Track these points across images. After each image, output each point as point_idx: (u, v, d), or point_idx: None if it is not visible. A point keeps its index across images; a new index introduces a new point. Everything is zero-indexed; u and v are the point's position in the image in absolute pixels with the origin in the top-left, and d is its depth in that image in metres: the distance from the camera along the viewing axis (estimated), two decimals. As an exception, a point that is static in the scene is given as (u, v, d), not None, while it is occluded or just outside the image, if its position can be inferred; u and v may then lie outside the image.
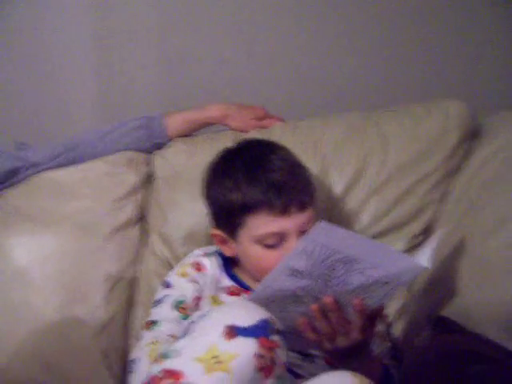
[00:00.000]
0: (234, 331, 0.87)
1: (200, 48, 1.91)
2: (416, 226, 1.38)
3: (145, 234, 1.49)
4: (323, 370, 1.09)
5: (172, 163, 1.49)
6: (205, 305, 1.21)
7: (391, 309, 1.32)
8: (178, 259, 1.39)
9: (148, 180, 1.52)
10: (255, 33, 1.89)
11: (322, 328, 1.01)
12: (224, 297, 1.23)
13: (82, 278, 1.41)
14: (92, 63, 1.91)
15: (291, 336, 1.03)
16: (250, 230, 1.16)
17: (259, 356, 0.86)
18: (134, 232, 1.48)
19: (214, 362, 0.85)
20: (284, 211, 1.13)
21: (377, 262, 0.93)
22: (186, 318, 1.18)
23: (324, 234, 0.91)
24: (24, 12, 1.86)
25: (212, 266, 1.26)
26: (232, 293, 1.23)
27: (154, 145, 1.52)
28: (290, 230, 1.14)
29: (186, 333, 0.92)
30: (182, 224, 1.43)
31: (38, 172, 1.48)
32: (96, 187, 1.47)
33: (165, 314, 1.20)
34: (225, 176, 1.19)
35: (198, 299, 1.23)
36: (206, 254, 1.29)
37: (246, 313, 0.91)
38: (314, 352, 1.15)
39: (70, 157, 1.49)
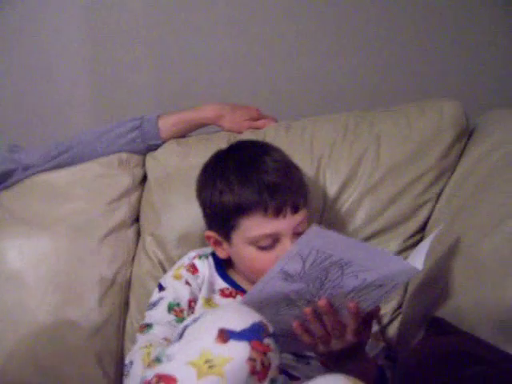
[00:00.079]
0: (226, 335, 0.87)
1: (195, 49, 1.91)
2: (411, 226, 1.37)
3: (139, 235, 1.49)
4: (318, 372, 1.10)
5: (165, 164, 1.48)
6: (199, 307, 1.21)
7: (386, 309, 1.32)
8: (171, 261, 1.39)
9: (142, 182, 1.52)
10: (250, 34, 1.89)
11: (316, 331, 1.01)
12: (218, 299, 1.23)
13: (76, 280, 1.41)
14: (87, 64, 1.91)
15: (285, 339, 1.03)
16: (244, 231, 1.15)
17: (252, 360, 0.86)
18: (129, 234, 1.48)
19: (207, 367, 0.84)
20: (278, 213, 1.13)
21: (370, 265, 0.93)
22: (180, 320, 1.18)
23: (317, 237, 0.90)
24: (20, 14, 1.86)
25: (206, 268, 1.26)
26: (226, 294, 1.23)
27: (149, 146, 1.51)
28: (284, 232, 1.14)
29: (178, 337, 0.91)
30: (176, 226, 1.43)
31: (32, 174, 1.48)
32: (90, 189, 1.47)
33: (159, 316, 1.20)
34: (217, 178, 1.18)
35: (192, 302, 1.22)
36: (200, 256, 1.28)
37: (239, 316, 0.90)
38: (308, 353, 1.15)
39: (65, 158, 1.49)
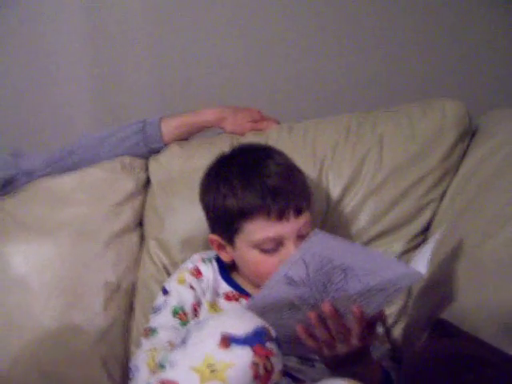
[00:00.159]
0: (229, 340, 0.87)
1: (196, 50, 1.91)
2: (414, 227, 1.37)
3: (143, 239, 1.49)
4: (323, 375, 1.10)
5: (168, 168, 1.48)
6: (203, 311, 1.21)
7: (391, 310, 1.32)
8: (175, 265, 1.39)
9: (145, 185, 1.52)
10: (252, 36, 1.89)
11: (320, 335, 1.01)
12: (222, 302, 1.23)
13: (80, 285, 1.41)
14: (88, 66, 1.92)
15: (290, 343, 1.03)
16: (247, 235, 1.15)
17: (255, 364, 0.86)
18: (132, 238, 1.48)
19: (210, 372, 0.85)
20: (281, 216, 1.13)
21: (373, 270, 0.93)
22: (185, 324, 1.19)
23: (320, 243, 0.90)
24: (19, 16, 1.86)
25: (210, 271, 1.26)
26: (230, 298, 1.23)
27: (151, 149, 1.51)
28: (287, 235, 1.14)
29: (181, 342, 0.92)
30: (180, 229, 1.43)
31: (35, 179, 1.48)
32: (93, 193, 1.48)
33: (164, 321, 1.20)
34: (221, 182, 1.18)
35: (196, 305, 1.22)
36: (204, 260, 1.28)
37: (241, 321, 0.90)
38: (313, 356, 1.14)
39: (68, 163, 1.49)
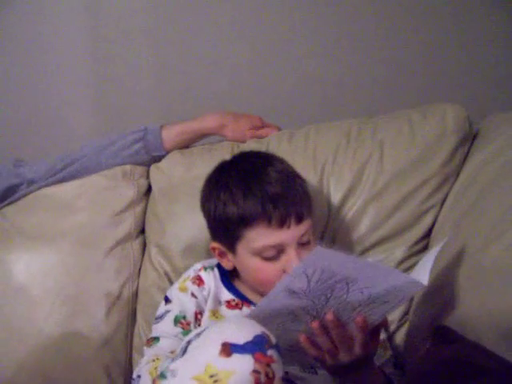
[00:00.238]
0: (230, 349, 0.87)
1: (197, 56, 1.91)
2: (416, 233, 1.37)
3: (144, 247, 1.50)
4: (325, 382, 1.10)
5: (169, 175, 1.49)
6: (205, 319, 1.21)
7: (393, 316, 1.32)
8: (177, 272, 1.39)
9: (147, 193, 1.53)
10: (252, 41, 1.89)
11: (323, 344, 1.00)
12: (224, 310, 1.23)
13: (83, 292, 1.41)
14: (88, 70, 1.92)
15: (292, 352, 1.03)
16: (248, 242, 1.15)
17: (256, 372, 0.86)
18: (134, 245, 1.48)
19: (212, 381, 0.85)
20: (281, 224, 1.13)
21: (375, 282, 0.93)
22: (187, 333, 1.17)
23: (322, 257, 0.90)
24: (19, 20, 1.86)
25: (211, 279, 1.26)
26: (232, 306, 1.23)
27: (153, 157, 1.52)
28: (288, 242, 1.14)
29: (182, 352, 0.92)
30: (181, 236, 1.43)
31: (37, 189, 1.49)
32: (95, 202, 1.48)
33: (166, 330, 1.21)
34: (221, 189, 1.18)
35: (198, 314, 1.22)
36: (206, 268, 1.28)
37: (241, 329, 0.90)
38: (316, 364, 1.14)
39: (69, 172, 1.49)
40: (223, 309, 1.23)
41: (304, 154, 1.44)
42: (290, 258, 1.13)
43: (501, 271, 1.02)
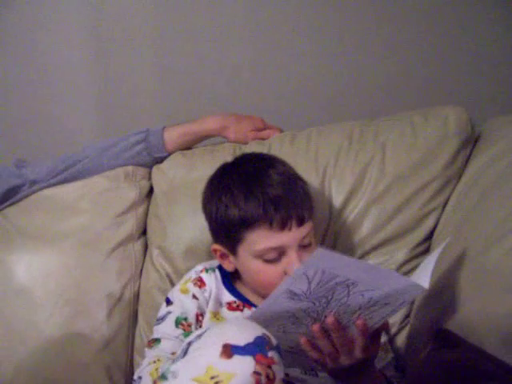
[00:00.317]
0: (230, 350, 0.87)
1: (200, 59, 1.91)
2: (417, 235, 1.36)
3: (146, 248, 1.50)
4: (326, 384, 1.10)
5: (171, 177, 1.49)
6: (207, 321, 1.21)
7: (395, 318, 1.31)
8: (179, 273, 1.39)
9: (149, 194, 1.53)
10: (254, 42, 1.89)
11: (324, 348, 1.00)
12: (225, 312, 1.23)
13: (84, 294, 1.42)
14: (91, 74, 1.92)
15: (293, 354, 1.03)
16: (249, 245, 1.15)
17: (257, 373, 0.86)
18: (136, 247, 1.49)
19: (213, 383, 0.85)
20: (283, 226, 1.13)
21: (376, 285, 0.93)
22: (188, 334, 1.16)
23: (323, 259, 0.90)
24: (20, 23, 1.86)
25: (213, 281, 1.26)
26: (233, 308, 1.23)
27: (155, 159, 1.52)
28: (290, 245, 1.14)
29: (183, 353, 0.92)
30: (183, 238, 1.43)
31: (39, 189, 1.49)
32: (96, 203, 1.48)
33: (167, 331, 1.21)
34: (222, 191, 1.18)
35: (199, 316, 1.22)
36: (207, 270, 1.28)
37: (242, 331, 0.90)
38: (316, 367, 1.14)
39: (71, 173, 1.49)
40: (224, 310, 1.23)
41: (306, 156, 1.44)
42: (291, 260, 1.13)
43: (502, 274, 1.02)
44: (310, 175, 1.38)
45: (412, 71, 1.88)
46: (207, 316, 1.22)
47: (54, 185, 1.49)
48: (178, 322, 1.21)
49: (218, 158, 1.42)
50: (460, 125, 1.40)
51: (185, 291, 1.25)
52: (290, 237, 1.14)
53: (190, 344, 0.92)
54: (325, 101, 1.90)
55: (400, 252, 1.36)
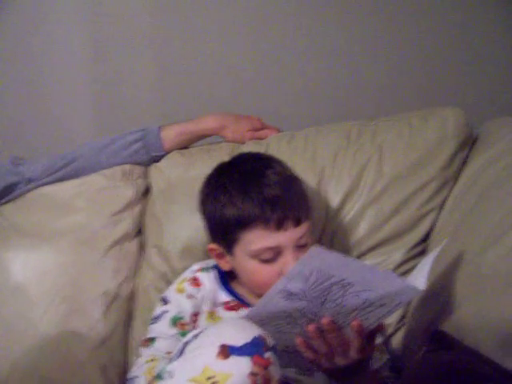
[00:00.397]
0: (227, 351, 0.87)
1: (197, 59, 1.91)
2: (414, 236, 1.37)
3: (142, 247, 1.49)
4: (322, 384, 1.10)
5: (168, 175, 1.49)
6: (202, 321, 1.21)
7: (391, 319, 1.31)
8: (175, 273, 1.39)
9: (145, 193, 1.52)
10: (252, 43, 1.89)
11: (320, 348, 1.00)
12: (222, 312, 1.23)
13: (80, 292, 1.41)
14: (89, 74, 1.91)
15: (288, 354, 1.03)
16: (246, 244, 1.15)
17: (254, 374, 0.87)
18: (132, 246, 1.48)
19: (210, 383, 0.85)
20: (279, 226, 1.13)
21: (372, 285, 0.93)
22: (184, 334, 1.17)
23: (319, 258, 0.90)
24: (19, 25, 1.86)
25: (209, 281, 1.26)
26: (230, 307, 1.23)
27: (152, 157, 1.52)
28: (286, 245, 1.14)
29: (179, 353, 0.91)
30: (179, 237, 1.43)
31: (36, 187, 1.48)
32: (93, 201, 1.48)
33: (163, 330, 1.20)
34: (219, 191, 1.18)
35: (195, 315, 1.22)
36: (203, 269, 1.28)
37: (239, 331, 0.91)
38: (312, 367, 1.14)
39: (68, 171, 1.49)
40: (220, 310, 1.23)
41: (303, 156, 1.44)
42: (288, 260, 1.13)
43: (499, 276, 1.02)
44: (307, 175, 1.38)
45: (410, 73, 1.89)
46: (203, 316, 1.22)
47: (51, 183, 1.48)
48: (173, 322, 1.21)
49: (215, 158, 1.42)
50: (458, 126, 1.40)
51: (181, 290, 1.25)
52: (287, 237, 1.13)
53: (186, 344, 0.92)
54: (323, 101, 1.90)
55: (397, 253, 1.36)
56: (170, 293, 1.26)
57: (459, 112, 1.42)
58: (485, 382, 0.82)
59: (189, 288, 1.24)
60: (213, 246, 1.23)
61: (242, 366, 0.86)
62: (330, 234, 1.39)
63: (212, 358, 0.87)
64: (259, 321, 0.96)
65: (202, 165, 1.44)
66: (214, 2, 1.87)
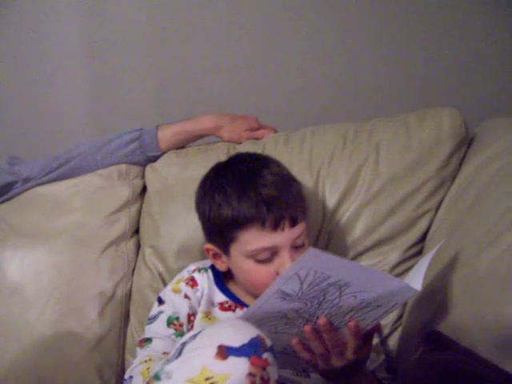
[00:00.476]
0: (225, 351, 0.86)
1: (195, 60, 1.91)
2: (410, 237, 1.36)
3: (138, 247, 1.49)
4: (318, 385, 1.10)
5: (164, 175, 1.48)
6: (198, 321, 1.21)
7: (387, 320, 1.31)
8: (171, 273, 1.39)
9: (142, 193, 1.52)
10: (249, 42, 1.89)
11: (316, 349, 1.00)
12: (217, 312, 1.23)
13: (76, 292, 1.41)
14: (86, 74, 1.92)
15: (285, 355, 1.03)
16: (242, 245, 1.15)
17: (252, 375, 0.86)
18: (129, 246, 1.48)
19: (208, 384, 0.85)
20: (275, 226, 1.13)
21: (368, 286, 0.93)
22: (180, 334, 1.18)
23: (315, 259, 0.90)
24: (18, 25, 1.86)
25: (205, 281, 1.26)
26: (225, 308, 1.23)
27: (148, 157, 1.51)
28: (282, 245, 1.13)
29: (177, 354, 0.91)
30: (176, 237, 1.43)
31: (32, 187, 1.48)
32: (89, 201, 1.47)
33: (159, 330, 1.20)
34: (216, 191, 1.18)
35: (191, 315, 1.22)
36: (200, 270, 1.28)
37: (237, 332, 0.90)
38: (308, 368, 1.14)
39: (65, 170, 1.49)
40: (216, 311, 1.23)
41: (300, 157, 1.43)
42: (284, 260, 1.13)
43: (494, 277, 1.02)
44: (303, 175, 1.39)
45: (407, 73, 1.89)
46: (199, 316, 1.22)
47: (47, 182, 1.48)
48: (169, 322, 1.21)
49: (211, 158, 1.42)
50: (454, 127, 1.40)
51: (177, 291, 1.25)
52: (283, 237, 1.13)
53: (184, 344, 0.91)
54: (320, 101, 1.90)
55: (393, 253, 1.36)
56: (166, 293, 1.26)
57: (456, 112, 1.42)
58: (480, 382, 0.82)
59: (185, 288, 1.24)
60: (209, 246, 1.23)
61: (240, 366, 0.86)
62: (327, 234, 1.38)
63: (210, 358, 0.86)
64: (255, 321, 0.96)
65: (198, 165, 1.43)
66: (211, 1, 1.87)
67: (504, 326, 0.93)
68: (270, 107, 1.88)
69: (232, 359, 0.86)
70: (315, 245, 1.36)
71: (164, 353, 1.14)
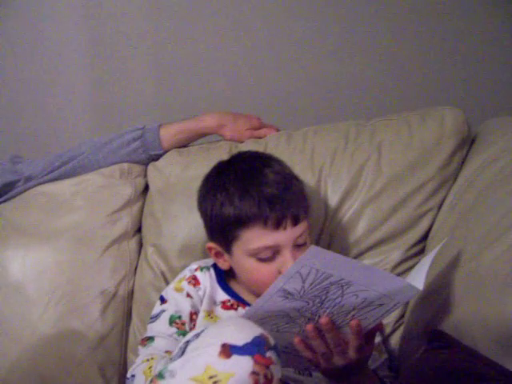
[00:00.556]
0: (229, 350, 0.87)
1: (196, 58, 1.91)
2: (412, 236, 1.36)
3: (141, 246, 1.49)
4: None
5: (166, 174, 1.48)
6: (200, 320, 1.21)
7: (389, 319, 1.31)
8: (173, 272, 1.39)
9: (144, 192, 1.52)
10: (251, 42, 1.89)
11: (318, 348, 1.00)
12: (219, 311, 1.23)
13: (78, 291, 1.41)
14: (88, 73, 1.92)
15: (287, 354, 1.03)
16: (244, 243, 1.15)
17: (255, 374, 0.86)
18: (131, 244, 1.48)
19: (211, 382, 0.85)
20: (277, 225, 1.13)
21: (370, 285, 0.93)
22: (182, 333, 1.18)
23: (317, 258, 0.90)
24: (19, 25, 1.86)
25: (207, 280, 1.26)
26: (228, 307, 1.23)
27: (150, 156, 1.51)
28: (284, 244, 1.13)
29: (180, 352, 0.91)
30: (178, 236, 1.43)
31: (34, 185, 1.48)
32: (91, 200, 1.48)
33: (161, 329, 1.20)
34: (218, 190, 1.18)
35: (194, 314, 1.22)
36: (202, 268, 1.28)
37: (241, 331, 0.90)
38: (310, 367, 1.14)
39: (67, 169, 1.49)
40: (218, 309, 1.23)
41: (302, 156, 1.43)
42: (286, 259, 1.13)
43: (495, 277, 1.02)
44: (305, 174, 1.38)
45: (409, 72, 1.89)
46: (201, 315, 1.22)
47: (49, 181, 1.48)
48: (171, 321, 1.21)
49: (213, 156, 1.41)
50: (456, 126, 1.40)
51: (179, 289, 1.25)
52: (285, 236, 1.13)
53: (187, 343, 0.91)
54: (322, 100, 1.90)
55: (395, 252, 1.36)
56: (168, 292, 1.26)
57: (458, 111, 1.42)
58: (483, 381, 0.82)
59: (187, 287, 1.24)
60: (211, 244, 1.23)
61: (244, 365, 0.86)
62: (329, 233, 1.38)
63: (214, 357, 0.86)
64: (257, 320, 0.96)
65: (200, 164, 1.43)
66: (211, 1, 1.87)
67: (506, 325, 0.94)
68: (272, 106, 1.88)
69: (235, 358, 0.86)
70: (317, 244, 1.36)
71: (166, 351, 1.14)
